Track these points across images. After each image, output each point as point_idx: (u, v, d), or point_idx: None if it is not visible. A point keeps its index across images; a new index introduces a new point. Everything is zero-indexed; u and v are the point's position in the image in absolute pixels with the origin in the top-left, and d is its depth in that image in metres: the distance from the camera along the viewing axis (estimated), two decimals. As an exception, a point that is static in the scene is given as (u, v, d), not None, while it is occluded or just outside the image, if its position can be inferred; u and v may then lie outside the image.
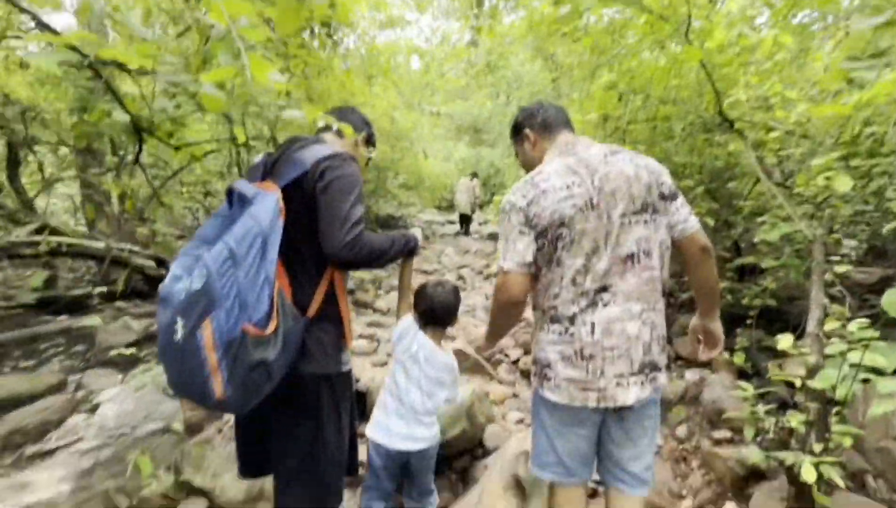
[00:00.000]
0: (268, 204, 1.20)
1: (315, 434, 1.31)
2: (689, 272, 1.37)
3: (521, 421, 2.63)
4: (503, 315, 1.36)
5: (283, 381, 1.20)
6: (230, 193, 1.26)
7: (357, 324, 3.92)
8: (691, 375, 2.56)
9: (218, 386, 1.10)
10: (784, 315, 2.76)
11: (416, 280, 5.44)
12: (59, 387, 2.55)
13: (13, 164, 5.16)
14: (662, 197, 1.27)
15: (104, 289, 3.73)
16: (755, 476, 1.84)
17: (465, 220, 9.93)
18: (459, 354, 3.27)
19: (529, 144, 1.45)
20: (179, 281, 1.15)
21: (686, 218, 1.29)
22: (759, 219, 2.34)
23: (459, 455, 2.30)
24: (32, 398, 2.38)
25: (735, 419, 2.02)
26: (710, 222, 2.72)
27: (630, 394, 1.23)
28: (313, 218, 1.28)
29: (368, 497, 1.63)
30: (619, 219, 1.23)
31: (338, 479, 1.39)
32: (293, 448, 1.32)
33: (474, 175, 10.13)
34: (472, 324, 4.47)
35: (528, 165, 1.45)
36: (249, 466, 1.46)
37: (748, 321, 2.60)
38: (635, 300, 1.23)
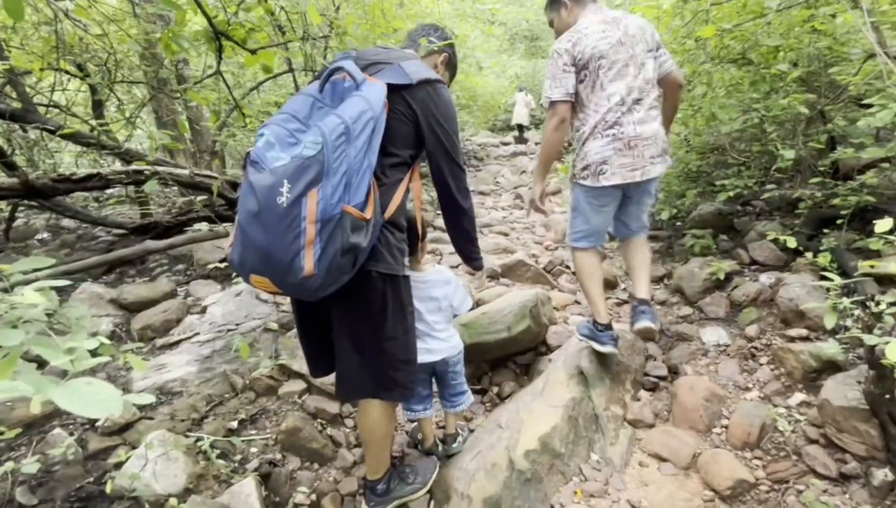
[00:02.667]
0: (378, 92, 1.22)
1: (379, 329, 1.34)
2: (665, 100, 2.09)
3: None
4: (554, 137, 1.90)
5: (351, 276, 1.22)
6: (328, 74, 1.26)
7: (420, 240, 4.06)
8: (766, 278, 2.46)
9: (309, 261, 1.10)
10: (882, 216, 2.51)
11: (475, 200, 5.36)
12: (171, 294, 2.96)
13: (97, 105, 5.61)
14: (657, 45, 1.94)
15: (195, 215, 4.13)
16: (829, 369, 1.81)
17: (521, 129, 11.03)
18: (520, 265, 3.35)
19: (566, 11, 1.98)
20: (272, 148, 1.14)
21: (667, 60, 1.97)
22: (865, 102, 2.06)
23: (524, 352, 2.46)
24: (153, 302, 2.80)
25: (814, 314, 1.96)
26: (804, 111, 2.43)
27: (657, 169, 1.91)
28: (409, 130, 1.33)
29: (408, 402, 1.77)
30: (641, 53, 1.86)
31: (407, 375, 1.42)
32: (356, 341, 1.35)
33: (520, 88, 11.14)
34: (532, 240, 4.50)
35: (563, 28, 1.97)
36: (318, 366, 1.55)
37: (838, 222, 2.40)
38: (652, 108, 1.90)
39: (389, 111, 1.26)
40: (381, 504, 1.61)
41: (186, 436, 1.82)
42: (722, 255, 3.05)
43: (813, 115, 2.73)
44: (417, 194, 1.50)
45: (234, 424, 1.95)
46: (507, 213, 5.67)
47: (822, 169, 2.62)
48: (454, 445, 1.87)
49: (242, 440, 1.87)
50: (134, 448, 1.73)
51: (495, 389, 2.32)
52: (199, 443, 1.76)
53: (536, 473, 1.67)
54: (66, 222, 5.47)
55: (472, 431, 2.03)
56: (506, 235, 4.65)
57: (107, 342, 1.02)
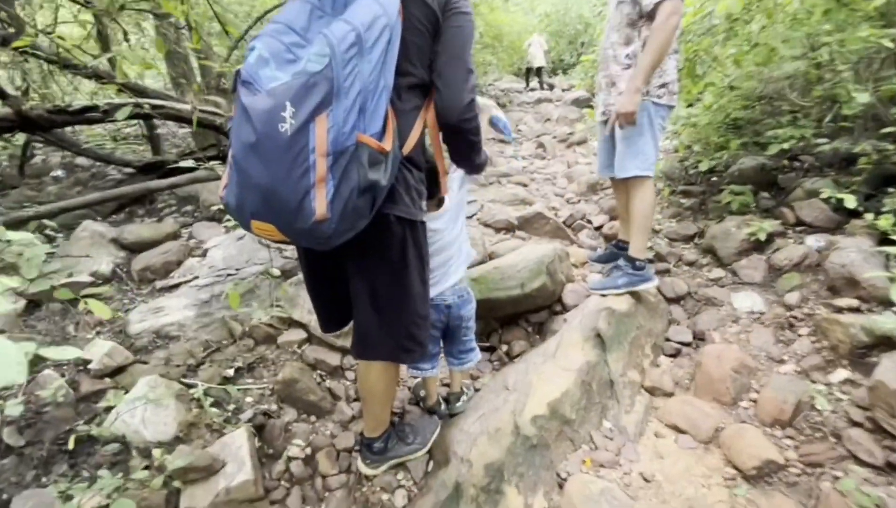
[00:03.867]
0: None
1: (400, 282, 1.21)
2: None
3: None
4: (672, 37, 1.79)
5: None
6: None
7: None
8: (814, 241, 2.20)
9: (321, 202, 0.91)
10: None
11: (495, 148, 5.08)
12: (174, 236, 2.86)
13: (104, 38, 5.36)
14: None
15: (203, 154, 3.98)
16: (883, 345, 1.61)
17: (539, 73, 10.59)
18: (539, 218, 3.14)
19: None
20: (266, 65, 0.94)
21: None
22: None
23: (537, 310, 2.31)
24: (155, 243, 2.71)
25: (869, 283, 1.74)
26: (889, 45, 2.06)
27: None
28: (426, 41, 1.10)
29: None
30: None
31: (423, 331, 1.31)
32: (375, 297, 1.22)
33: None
34: (552, 191, 4.23)
35: None
36: (330, 322, 1.42)
37: (907, 179, 2.10)
38: None
39: (403, 20, 1.05)
40: (377, 463, 1.53)
41: (181, 382, 1.75)
42: (762, 214, 2.77)
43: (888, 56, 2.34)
44: (433, 125, 1.25)
45: (231, 372, 1.87)
46: (529, 162, 5.35)
47: (894, 117, 2.27)
48: (458, 405, 1.76)
49: (238, 389, 1.80)
50: (127, 391, 1.67)
51: (504, 347, 2.20)
52: (192, 391, 1.69)
53: (543, 439, 1.56)
54: (81, 161, 5.39)
55: (477, 390, 1.93)
56: (525, 185, 4.39)
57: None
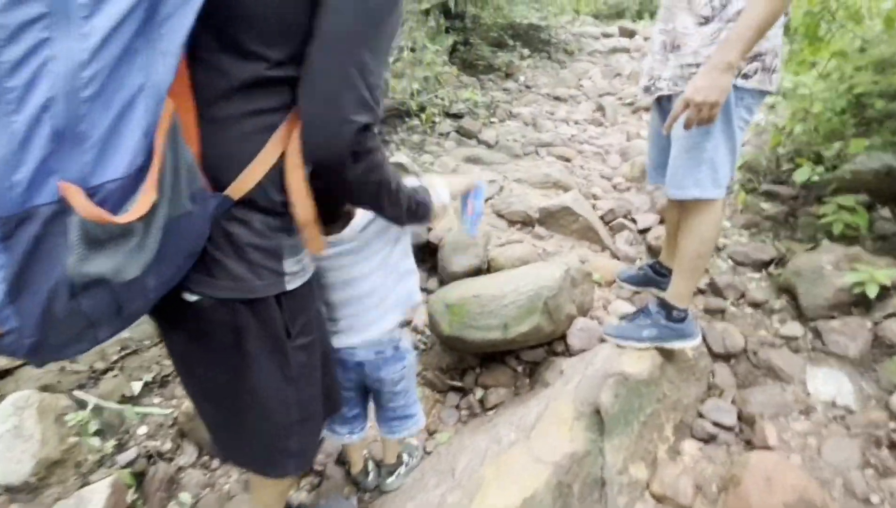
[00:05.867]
0: None
1: (241, 382, 0.78)
2: None
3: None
4: None
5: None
6: None
7: (451, 157, 3.29)
8: (957, 311, 1.49)
9: None
10: None
11: (545, 107, 4.26)
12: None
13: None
14: None
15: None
16: None
17: None
18: (566, 213, 2.52)
19: None
20: None
21: None
22: None
23: (533, 347, 1.80)
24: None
25: None
26: None
27: None
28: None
29: (331, 423, 1.21)
30: None
31: (303, 438, 0.91)
32: (210, 397, 0.85)
33: None
34: (598, 172, 3.51)
35: None
36: None
37: None
38: None
39: None
40: (259, 557, 1.18)
41: (72, 397, 1.47)
42: (877, 245, 2.02)
43: None
44: (294, 155, 0.70)
45: (138, 386, 1.57)
46: (581, 129, 4.55)
47: None
48: (390, 480, 1.36)
49: (137, 413, 1.49)
50: (9, 401, 1.41)
51: (479, 393, 1.73)
52: (73, 416, 1.40)
53: (481, 567, 1.13)
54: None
55: (427, 453, 1.51)
56: (568, 160, 3.69)
57: None
